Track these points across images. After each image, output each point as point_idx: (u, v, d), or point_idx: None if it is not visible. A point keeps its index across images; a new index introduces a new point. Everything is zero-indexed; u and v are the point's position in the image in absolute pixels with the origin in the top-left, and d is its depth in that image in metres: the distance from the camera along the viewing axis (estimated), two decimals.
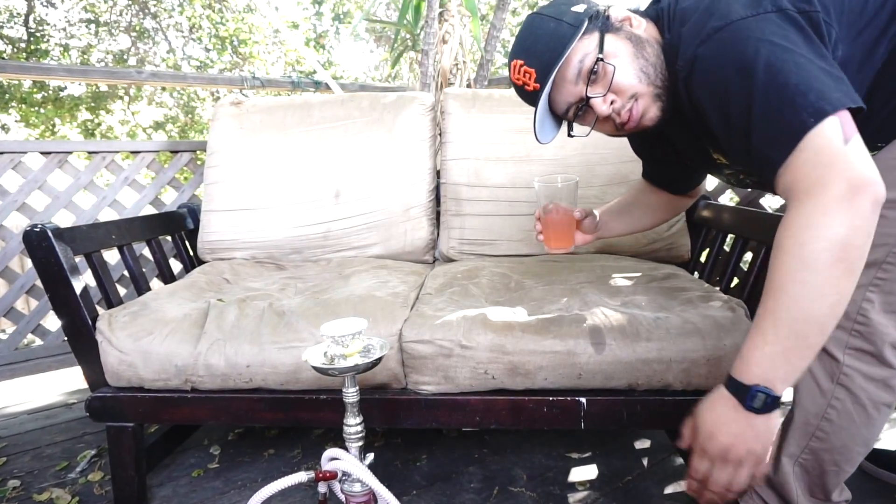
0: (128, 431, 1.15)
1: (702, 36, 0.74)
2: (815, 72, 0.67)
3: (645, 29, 0.86)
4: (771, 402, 0.69)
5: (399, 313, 1.13)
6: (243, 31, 7.95)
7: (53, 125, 7.60)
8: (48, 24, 7.34)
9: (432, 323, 1.07)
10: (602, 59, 0.81)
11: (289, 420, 1.12)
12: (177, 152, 1.97)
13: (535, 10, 0.89)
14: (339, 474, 0.88)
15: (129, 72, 2.27)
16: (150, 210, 1.92)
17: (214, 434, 1.54)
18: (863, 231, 0.64)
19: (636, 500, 1.19)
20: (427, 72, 2.68)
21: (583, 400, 1.04)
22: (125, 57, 7.90)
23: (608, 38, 0.83)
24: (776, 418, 0.71)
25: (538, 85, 0.84)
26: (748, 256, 1.32)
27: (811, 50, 0.69)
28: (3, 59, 6.58)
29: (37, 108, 7.30)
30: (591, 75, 0.82)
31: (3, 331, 3.00)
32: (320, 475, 0.87)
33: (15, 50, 7.14)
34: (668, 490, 1.22)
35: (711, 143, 0.88)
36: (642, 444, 1.43)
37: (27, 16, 7.12)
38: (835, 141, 0.65)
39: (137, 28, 7.82)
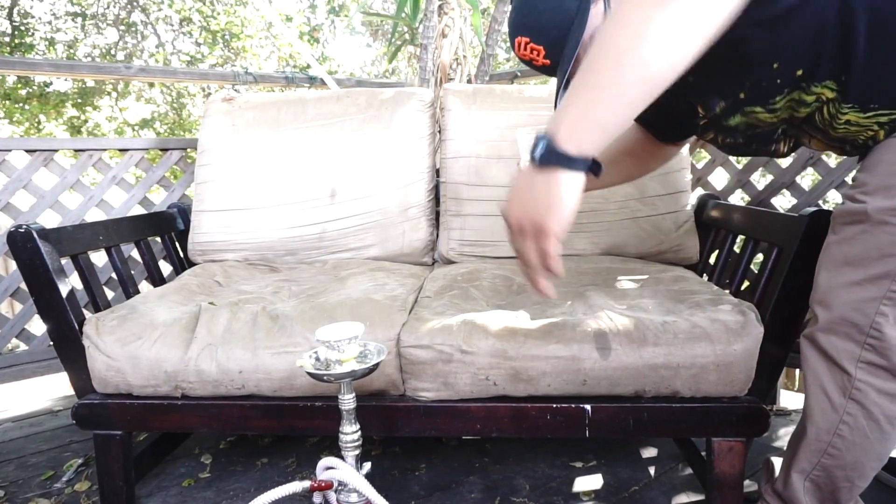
0: (116, 440, 1.15)
1: None
2: None
3: None
4: (548, 154, 0.66)
5: (397, 317, 1.13)
6: (235, 24, 7.95)
7: (38, 122, 7.59)
8: (33, 17, 7.34)
9: (431, 327, 1.07)
10: None
11: (283, 428, 1.12)
12: (166, 150, 1.97)
13: None
14: (335, 484, 0.88)
15: (117, 67, 2.27)
16: (138, 210, 1.92)
17: (206, 442, 1.54)
18: None
19: None
20: (426, 67, 2.68)
21: (587, 407, 1.04)
22: (113, 51, 7.90)
23: (613, 3, 0.84)
24: (562, 182, 0.66)
25: (548, 61, 0.87)
26: (759, 258, 1.32)
27: None
28: None
29: (21, 105, 7.30)
30: None
31: None
32: (315, 485, 0.87)
33: None
34: (676, 501, 1.22)
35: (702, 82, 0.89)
36: (649, 452, 1.43)
37: (11, 8, 7.12)
38: None
39: (125, 21, 7.82)
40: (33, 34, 7.34)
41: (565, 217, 0.68)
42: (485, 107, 1.69)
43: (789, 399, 1.71)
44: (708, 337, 1.01)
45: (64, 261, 1.16)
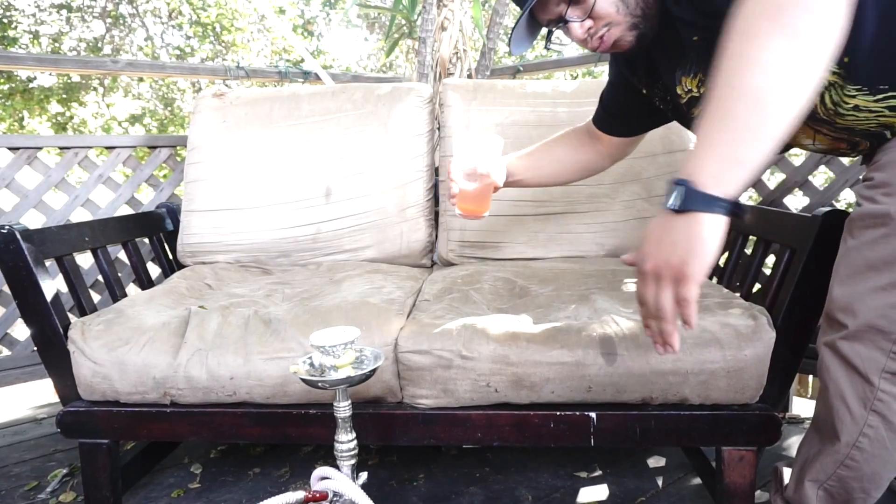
0: (102, 448, 1.15)
1: None
2: None
3: None
4: (688, 198, 0.67)
5: (394, 321, 1.13)
6: (226, 16, 7.96)
7: (22, 118, 7.60)
8: (16, 10, 7.35)
9: (430, 332, 1.07)
10: None
11: (276, 436, 1.12)
12: (155, 148, 1.97)
13: None
14: (331, 495, 0.88)
15: (104, 61, 2.27)
16: (126, 210, 1.92)
17: (195, 451, 1.54)
18: None
19: None
20: (424, 61, 2.69)
21: (592, 415, 1.04)
22: (99, 45, 7.91)
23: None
24: (704, 223, 0.67)
25: None
26: (771, 260, 1.32)
27: None
28: None
29: (3, 100, 7.30)
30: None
31: None
32: (310, 496, 0.87)
33: None
34: None
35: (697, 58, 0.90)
36: (657, 462, 1.43)
37: None
38: None
39: (112, 14, 7.83)
40: (16, 27, 7.34)
41: (708, 262, 0.69)
42: (486, 103, 1.69)
43: (802, 406, 1.71)
44: (718, 342, 1.01)
45: (48, 263, 1.16)
